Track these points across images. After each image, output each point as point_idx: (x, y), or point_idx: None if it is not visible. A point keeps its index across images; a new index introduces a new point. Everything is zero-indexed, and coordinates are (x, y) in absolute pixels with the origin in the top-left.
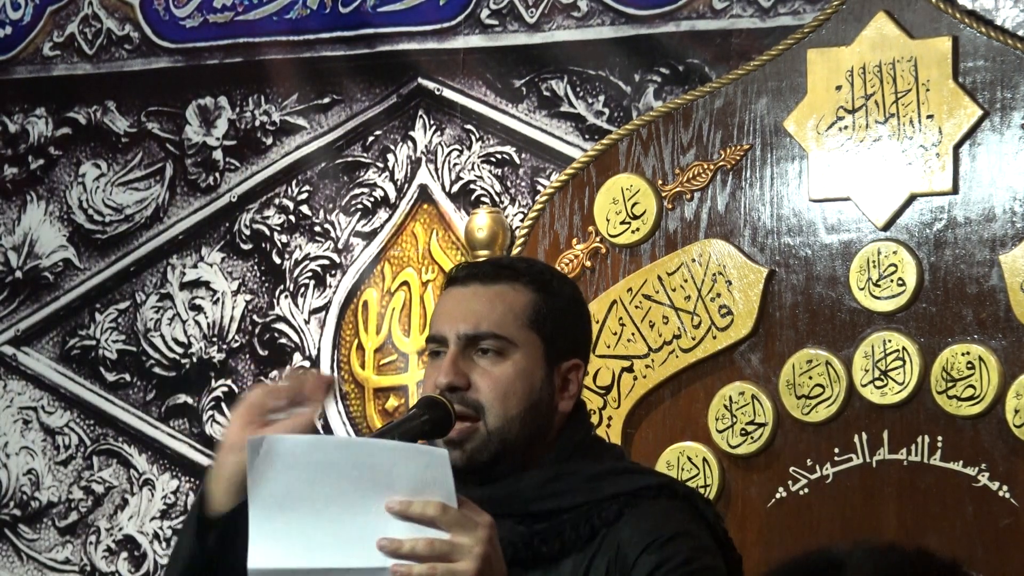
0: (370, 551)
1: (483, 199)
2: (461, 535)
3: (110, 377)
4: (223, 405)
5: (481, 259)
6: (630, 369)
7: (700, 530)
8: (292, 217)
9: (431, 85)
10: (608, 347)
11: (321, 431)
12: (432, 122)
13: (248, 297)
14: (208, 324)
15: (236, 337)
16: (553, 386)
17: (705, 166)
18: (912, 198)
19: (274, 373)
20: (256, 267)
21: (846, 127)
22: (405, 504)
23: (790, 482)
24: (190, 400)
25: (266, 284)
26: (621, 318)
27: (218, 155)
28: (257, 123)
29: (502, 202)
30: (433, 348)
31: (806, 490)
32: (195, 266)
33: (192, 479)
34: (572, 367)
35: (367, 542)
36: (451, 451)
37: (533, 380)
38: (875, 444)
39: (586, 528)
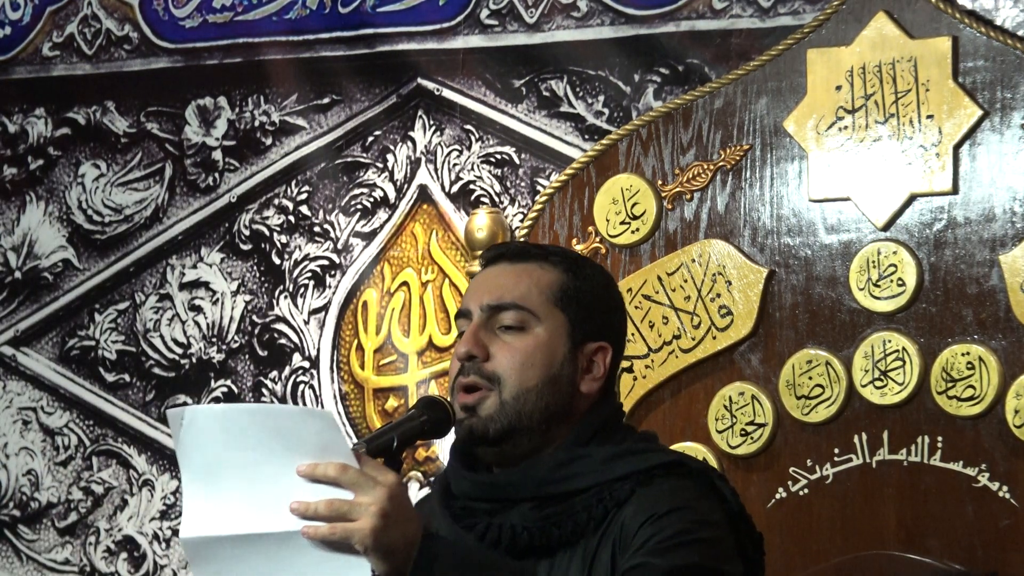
0: (286, 515)
1: (483, 199)
2: (361, 494)
3: (109, 377)
4: None
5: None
6: (630, 369)
7: (708, 505)
8: (292, 217)
9: (431, 85)
10: None
11: None
12: (432, 122)
13: (247, 297)
14: (208, 324)
15: (236, 337)
16: (576, 366)
17: (705, 166)
18: (912, 198)
19: (274, 373)
20: (256, 267)
21: (846, 127)
22: (311, 467)
23: (790, 482)
24: (190, 400)
25: (266, 284)
26: None
27: (217, 155)
28: (257, 123)
29: (502, 202)
30: (460, 326)
31: (806, 490)
32: (195, 266)
33: None
34: (598, 349)
35: (283, 506)
36: (467, 418)
37: (554, 355)
38: (875, 444)
39: (599, 509)
